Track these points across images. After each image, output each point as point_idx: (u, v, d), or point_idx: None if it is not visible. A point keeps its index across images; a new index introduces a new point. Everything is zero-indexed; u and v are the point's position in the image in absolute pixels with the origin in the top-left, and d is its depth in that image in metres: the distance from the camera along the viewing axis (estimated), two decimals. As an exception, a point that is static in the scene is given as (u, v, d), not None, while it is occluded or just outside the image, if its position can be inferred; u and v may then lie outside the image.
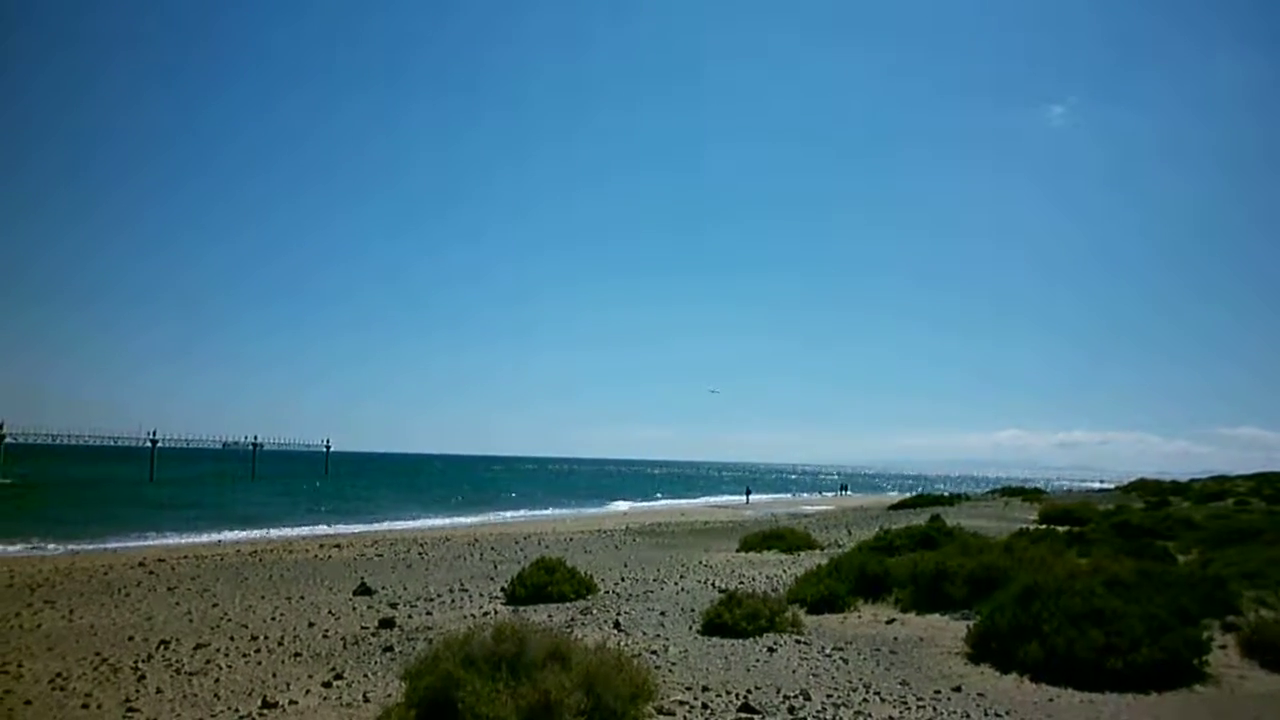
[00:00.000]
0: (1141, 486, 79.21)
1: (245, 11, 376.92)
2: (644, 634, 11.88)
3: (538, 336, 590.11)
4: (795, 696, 8.52)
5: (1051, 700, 8.49)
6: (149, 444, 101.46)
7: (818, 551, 23.54)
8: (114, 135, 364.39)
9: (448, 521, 49.98)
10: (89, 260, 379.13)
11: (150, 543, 34.49)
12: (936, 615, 12.91)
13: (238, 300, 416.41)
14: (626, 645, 10.67)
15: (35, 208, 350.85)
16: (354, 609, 14.71)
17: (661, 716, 7.84)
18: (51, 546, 32.29)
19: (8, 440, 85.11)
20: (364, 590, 16.77)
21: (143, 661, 10.66)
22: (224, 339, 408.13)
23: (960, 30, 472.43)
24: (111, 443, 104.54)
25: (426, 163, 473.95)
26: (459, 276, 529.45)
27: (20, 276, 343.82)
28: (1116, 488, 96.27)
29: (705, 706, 8.17)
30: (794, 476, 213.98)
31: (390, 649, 11.07)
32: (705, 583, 17.61)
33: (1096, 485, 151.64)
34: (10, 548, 31.59)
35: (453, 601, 15.56)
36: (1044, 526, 28.60)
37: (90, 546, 32.43)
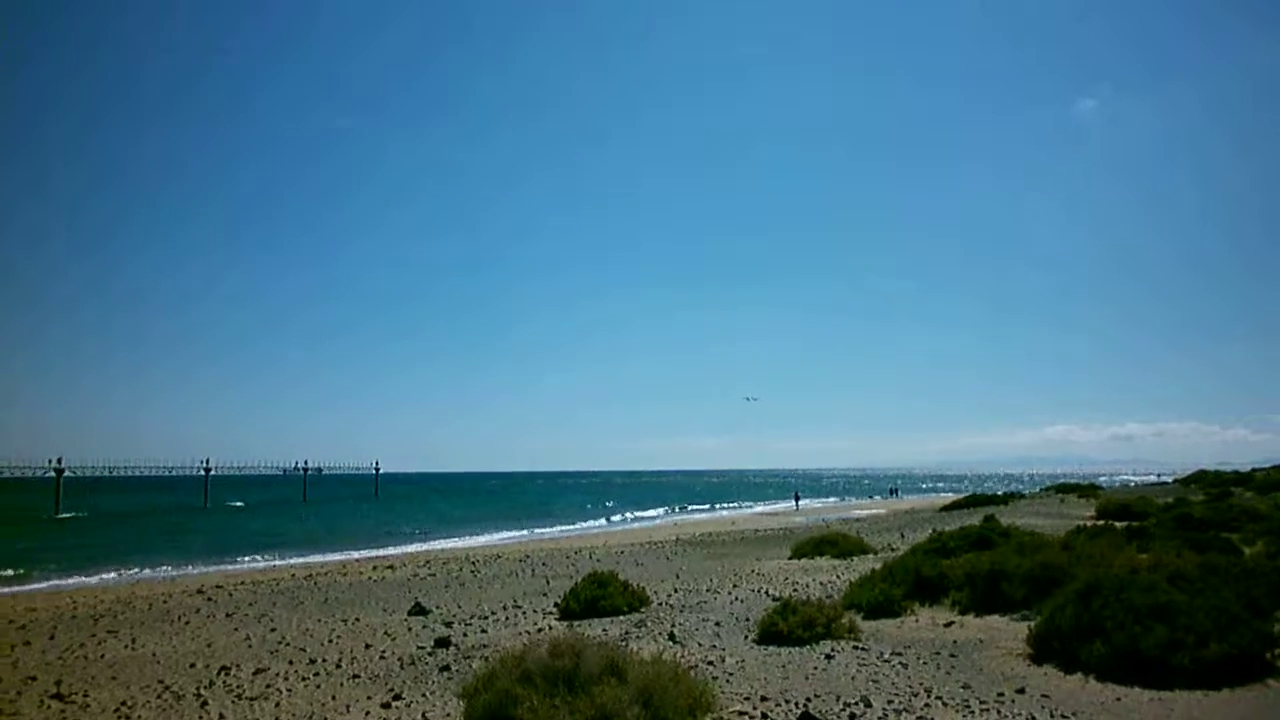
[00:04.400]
0: (1201, 478, 77.59)
1: (273, 20, 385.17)
2: (699, 645, 11.81)
3: (585, 350, 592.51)
4: (855, 703, 8.41)
5: (1119, 700, 8.29)
6: (202, 473, 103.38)
7: (871, 556, 23.29)
8: (181, 171, 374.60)
9: (498, 539, 50.24)
10: (148, 299, 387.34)
11: (207, 570, 35.06)
12: (995, 616, 12.70)
13: (262, 320, 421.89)
14: (682, 657, 10.60)
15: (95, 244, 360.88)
16: (409, 629, 14.79)
17: (720, 728, 7.78)
18: (112, 576, 32.92)
19: (67, 475, 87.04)
20: (419, 610, 16.85)
21: (204, 688, 10.80)
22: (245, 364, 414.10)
23: (985, 34, 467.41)
24: (167, 473, 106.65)
25: (445, 178, 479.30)
26: (501, 289, 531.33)
27: (89, 315, 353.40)
28: (1175, 480, 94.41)
29: (765, 716, 8.09)
30: (844, 481, 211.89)
31: (447, 668, 11.10)
32: (759, 591, 17.49)
33: (1154, 478, 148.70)
34: (73, 579, 32.27)
35: (507, 619, 15.59)
36: (1101, 522, 28.02)
37: (149, 575, 33.04)
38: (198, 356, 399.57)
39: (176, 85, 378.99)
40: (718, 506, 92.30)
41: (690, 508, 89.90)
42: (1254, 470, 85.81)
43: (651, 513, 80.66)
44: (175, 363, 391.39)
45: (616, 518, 73.93)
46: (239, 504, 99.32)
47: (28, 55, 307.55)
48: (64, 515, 76.44)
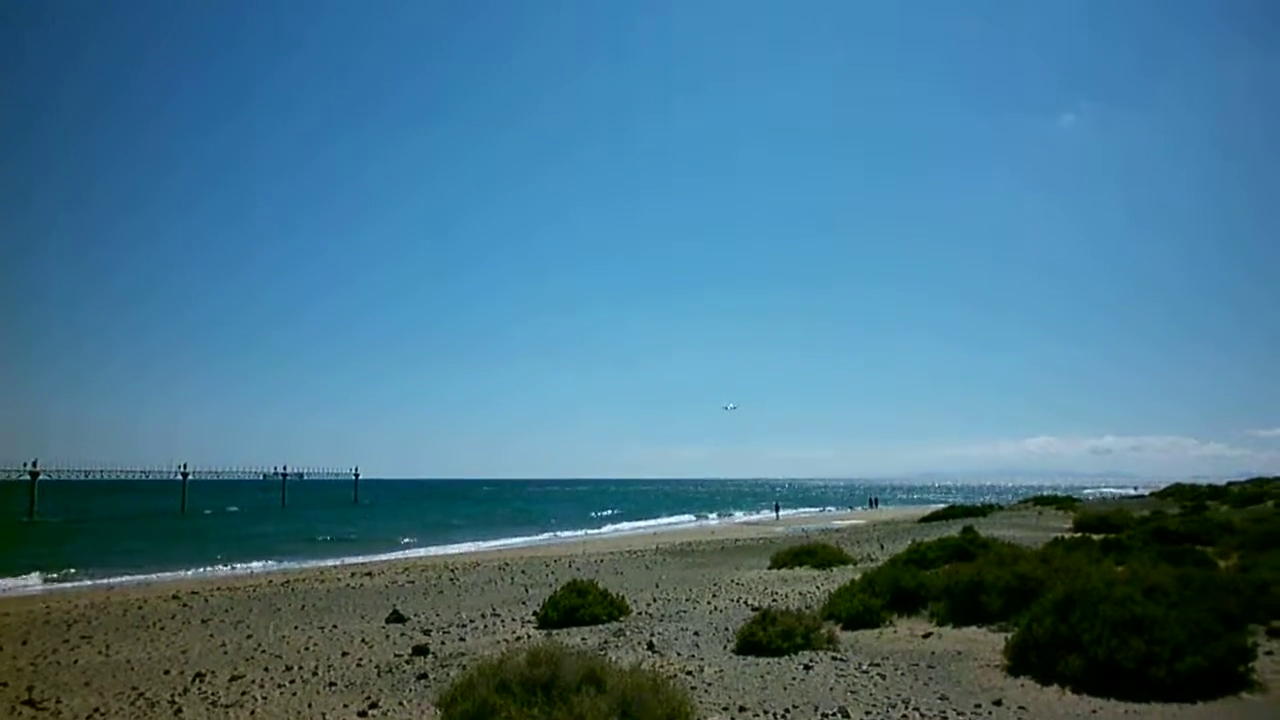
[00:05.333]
0: (1177, 491, 78.20)
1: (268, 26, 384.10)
2: (678, 655, 11.80)
3: (574, 359, 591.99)
4: (833, 714, 8.42)
5: (1095, 712, 8.33)
6: (180, 477, 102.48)
7: (850, 566, 23.33)
8: (172, 169, 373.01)
9: (477, 546, 50.07)
10: (143, 298, 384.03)
11: (183, 575, 34.74)
12: (973, 628, 12.74)
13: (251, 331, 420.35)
14: (661, 666, 10.59)
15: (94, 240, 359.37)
16: (387, 637, 14.72)
17: (698, 738, 7.76)
18: (86, 582, 32.56)
19: (42, 478, 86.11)
20: (397, 618, 16.78)
21: (179, 695, 10.70)
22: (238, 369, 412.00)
23: (971, 42, 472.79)
24: (144, 477, 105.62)
25: (434, 182, 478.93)
26: (491, 294, 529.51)
27: (72, 314, 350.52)
28: (1151, 493, 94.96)
29: (742, 727, 8.09)
30: (826, 491, 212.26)
31: (424, 676, 11.05)
32: (738, 601, 17.49)
33: (1130, 491, 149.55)
34: (46, 584, 31.92)
35: (485, 627, 15.54)
36: (1079, 534, 28.17)
37: (124, 580, 32.69)
38: (187, 362, 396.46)
39: (165, 89, 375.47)
40: (700, 515, 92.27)
41: (671, 517, 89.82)
42: (1230, 484, 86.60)
43: (633, 522, 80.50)
44: (164, 368, 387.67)
45: (597, 526, 73.77)
46: (234, 509, 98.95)
47: (22, 49, 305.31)
48: (38, 519, 75.64)
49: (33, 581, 32.88)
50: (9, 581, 32.25)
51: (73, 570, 36.03)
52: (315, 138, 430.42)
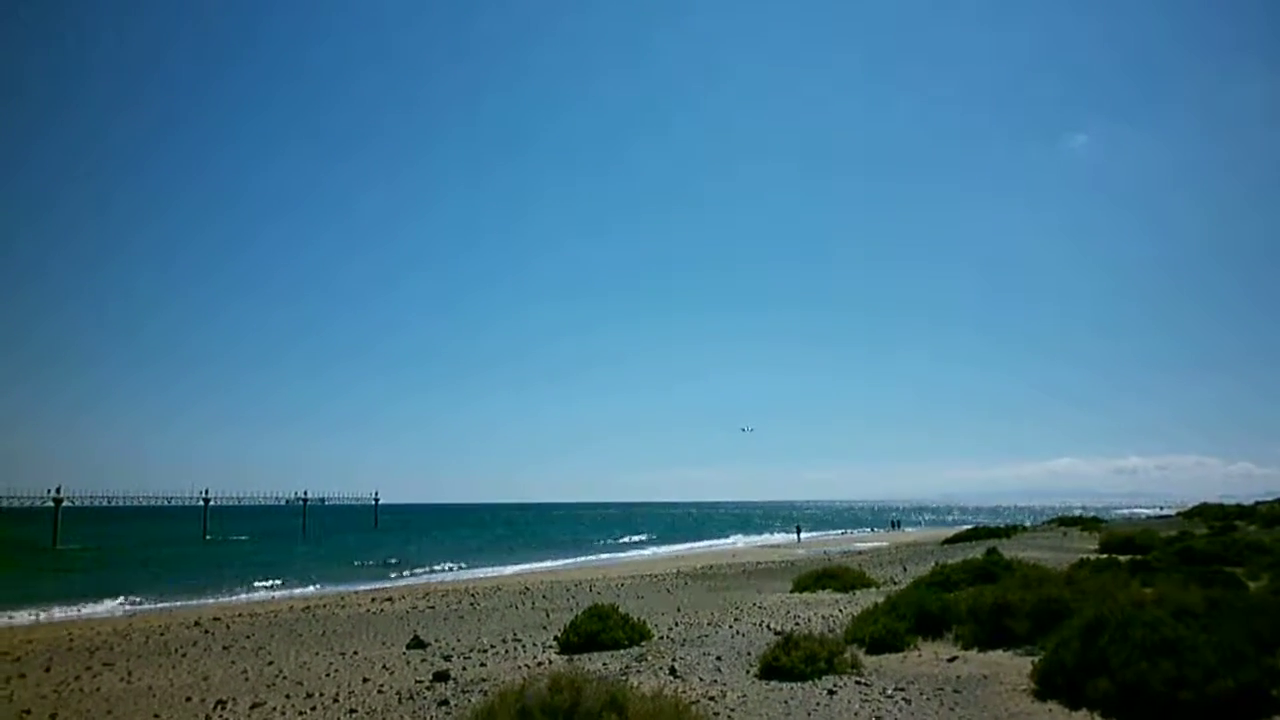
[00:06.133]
0: (1204, 511, 77.28)
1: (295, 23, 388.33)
2: (700, 680, 11.70)
3: (587, 382, 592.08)
4: (858, 740, 8.31)
5: (1125, 737, 8.19)
6: (201, 503, 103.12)
7: (873, 589, 23.13)
8: (182, 188, 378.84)
9: (498, 571, 50.01)
10: (156, 319, 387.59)
11: (205, 602, 34.85)
12: (999, 651, 12.58)
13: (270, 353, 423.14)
14: (683, 692, 10.50)
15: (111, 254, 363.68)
16: (408, 663, 14.68)
17: (722, 764, 7.68)
18: (108, 608, 32.75)
19: (66, 505, 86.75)
20: (417, 643, 16.74)
21: (201, 722, 10.71)
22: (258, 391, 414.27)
23: (981, 63, 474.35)
24: (167, 503, 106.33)
25: (447, 208, 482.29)
26: (503, 315, 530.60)
27: (82, 336, 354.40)
28: (1178, 514, 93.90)
29: (766, 753, 8.00)
30: (847, 513, 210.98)
31: (445, 702, 11.00)
32: (760, 625, 17.36)
33: (1157, 512, 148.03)
34: (69, 611, 32.08)
35: (506, 652, 15.47)
36: (1105, 556, 27.86)
37: (146, 607, 32.86)
38: (199, 384, 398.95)
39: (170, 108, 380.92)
40: (722, 538, 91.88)
41: (692, 540, 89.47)
42: (1257, 504, 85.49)
43: (653, 546, 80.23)
44: (177, 391, 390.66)
45: (619, 550, 73.55)
46: (256, 535, 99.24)
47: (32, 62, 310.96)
48: (62, 546, 76.07)
49: (108, 607, 33.45)
50: (90, 607, 32.78)
51: (94, 597, 36.22)
52: (332, 154, 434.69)
